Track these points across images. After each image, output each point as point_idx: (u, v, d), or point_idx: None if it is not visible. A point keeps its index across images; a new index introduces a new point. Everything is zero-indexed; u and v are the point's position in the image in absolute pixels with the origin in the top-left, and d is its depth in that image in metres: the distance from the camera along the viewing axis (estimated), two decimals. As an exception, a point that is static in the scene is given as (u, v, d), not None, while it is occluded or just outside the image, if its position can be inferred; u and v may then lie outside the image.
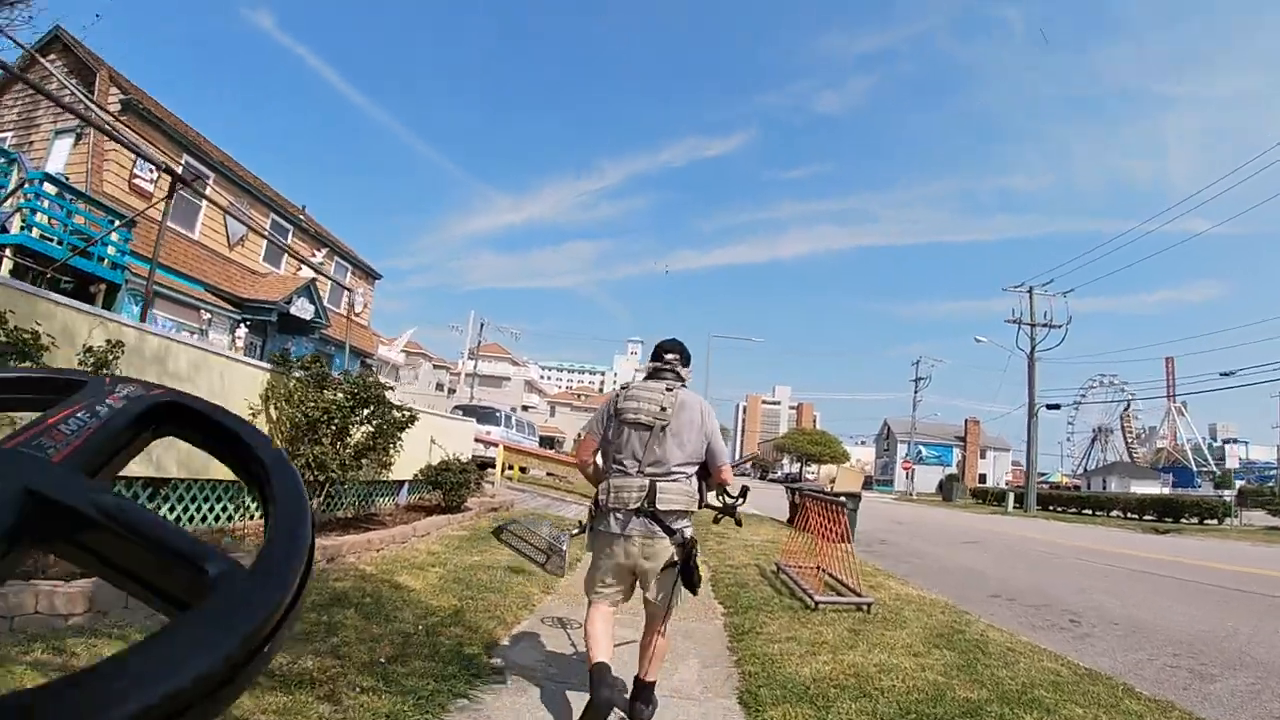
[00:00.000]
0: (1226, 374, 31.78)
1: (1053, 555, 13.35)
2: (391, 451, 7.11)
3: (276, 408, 6.20)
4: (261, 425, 6.17)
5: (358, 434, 6.62)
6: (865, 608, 6.16)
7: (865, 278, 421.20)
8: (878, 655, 4.59)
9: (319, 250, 21.87)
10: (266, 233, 18.00)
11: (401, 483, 9.36)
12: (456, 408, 20.84)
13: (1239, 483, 54.82)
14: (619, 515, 3.15)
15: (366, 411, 6.56)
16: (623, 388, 3.43)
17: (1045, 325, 38.48)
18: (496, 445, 16.70)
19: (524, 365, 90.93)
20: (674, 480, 3.19)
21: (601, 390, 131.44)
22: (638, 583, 3.26)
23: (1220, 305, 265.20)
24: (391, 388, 7.04)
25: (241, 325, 17.30)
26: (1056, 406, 42.91)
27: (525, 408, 74.49)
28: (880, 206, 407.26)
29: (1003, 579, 9.49)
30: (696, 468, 3.32)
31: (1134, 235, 68.88)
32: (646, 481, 3.15)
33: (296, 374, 6.38)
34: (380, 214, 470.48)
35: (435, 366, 73.97)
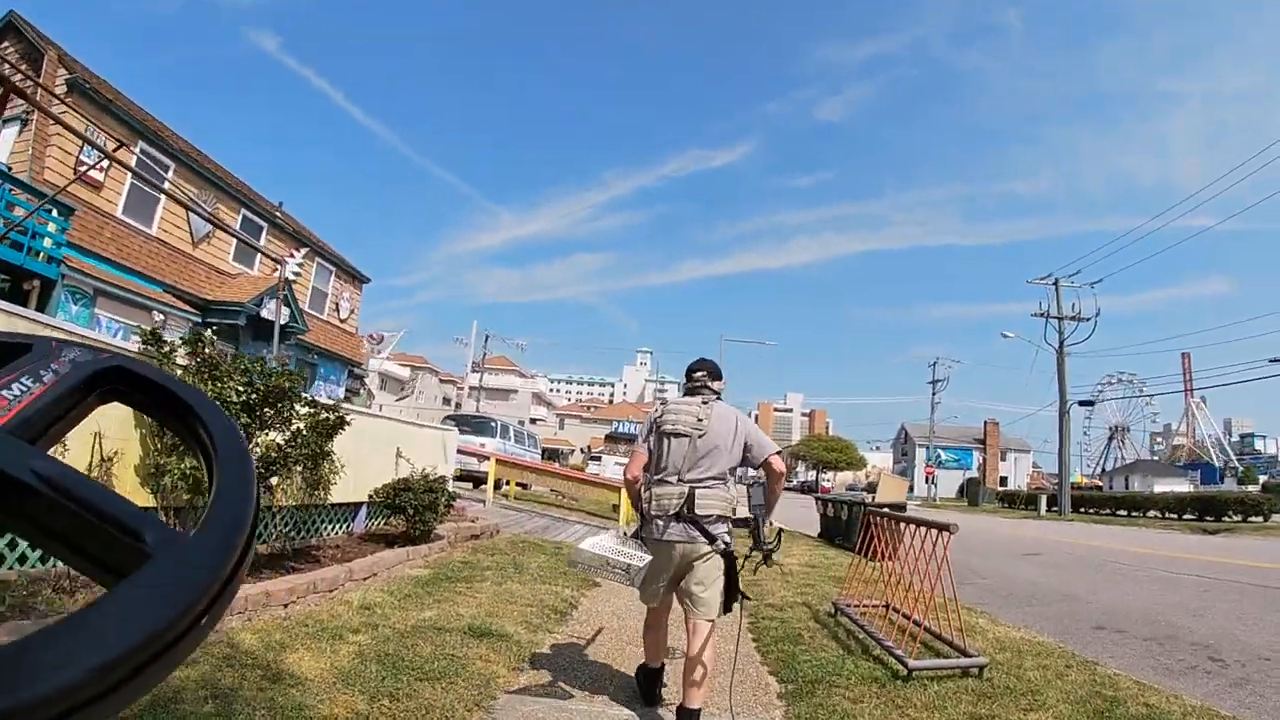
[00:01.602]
0: (1276, 360, 29.50)
1: (1124, 565, 12.00)
2: (323, 466, 5.34)
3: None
4: (118, 435, 4.45)
5: (264, 441, 4.84)
6: (977, 671, 4.40)
7: (873, 282, 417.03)
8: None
9: (298, 250, 20.06)
10: (235, 230, 16.32)
11: (358, 505, 7.56)
12: (447, 418, 19.13)
13: (1262, 478, 53.48)
14: (660, 520, 3.34)
15: (271, 412, 4.75)
16: (663, 404, 3.60)
17: (1074, 318, 36.87)
18: (489, 459, 14.89)
19: (531, 378, 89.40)
20: (711, 488, 3.36)
21: (611, 402, 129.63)
22: (680, 585, 3.38)
23: (1230, 300, 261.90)
24: (300, 378, 5.29)
25: (207, 330, 15.57)
26: (1090, 403, 40.90)
27: (533, 420, 73.06)
28: (886, 211, 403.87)
29: (1094, 602, 7.99)
30: (734, 474, 3.51)
31: (1141, 233, 68.06)
32: (686, 489, 3.32)
33: (180, 360, 4.64)
34: (389, 232, 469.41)
35: (442, 381, 72.65)
